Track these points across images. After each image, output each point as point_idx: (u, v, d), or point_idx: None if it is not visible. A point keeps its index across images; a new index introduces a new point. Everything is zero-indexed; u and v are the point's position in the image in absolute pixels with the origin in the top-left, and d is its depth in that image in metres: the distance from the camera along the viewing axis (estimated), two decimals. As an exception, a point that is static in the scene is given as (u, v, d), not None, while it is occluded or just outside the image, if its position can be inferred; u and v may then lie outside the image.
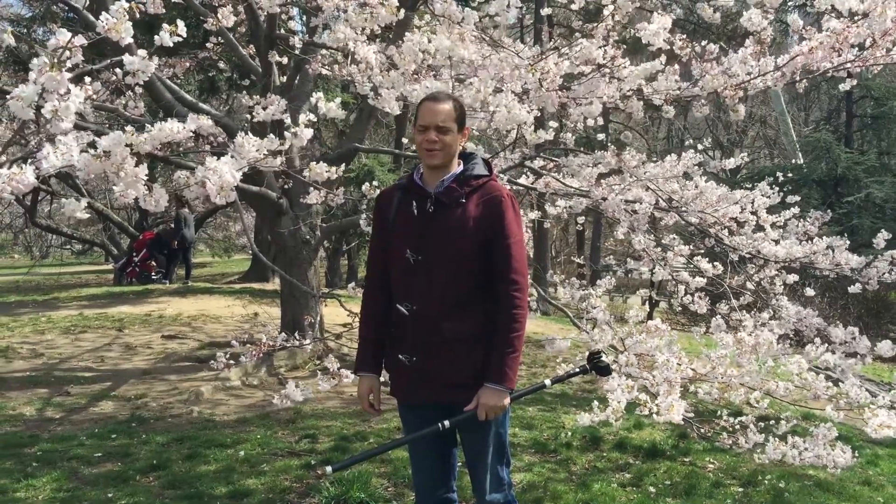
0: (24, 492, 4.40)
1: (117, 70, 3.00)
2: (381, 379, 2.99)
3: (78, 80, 5.58)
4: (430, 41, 4.56)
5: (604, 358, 3.04)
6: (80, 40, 2.39)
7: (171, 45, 2.84)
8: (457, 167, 2.88)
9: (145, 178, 2.72)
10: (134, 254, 15.50)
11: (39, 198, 16.87)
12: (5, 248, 29.08)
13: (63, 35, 2.39)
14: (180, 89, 8.14)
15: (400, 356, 2.85)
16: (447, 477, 3.03)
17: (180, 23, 2.80)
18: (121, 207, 18.62)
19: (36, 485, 4.50)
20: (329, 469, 2.82)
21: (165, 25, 2.75)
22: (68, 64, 2.34)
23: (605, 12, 4.50)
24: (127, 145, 2.59)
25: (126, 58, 2.69)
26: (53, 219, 19.20)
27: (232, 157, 3.02)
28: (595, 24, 4.65)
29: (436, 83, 4.53)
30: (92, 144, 2.66)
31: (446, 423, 2.75)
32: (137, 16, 2.57)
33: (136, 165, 2.67)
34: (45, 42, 14.97)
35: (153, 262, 15.42)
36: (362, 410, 5.52)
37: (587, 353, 3.10)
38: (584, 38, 4.79)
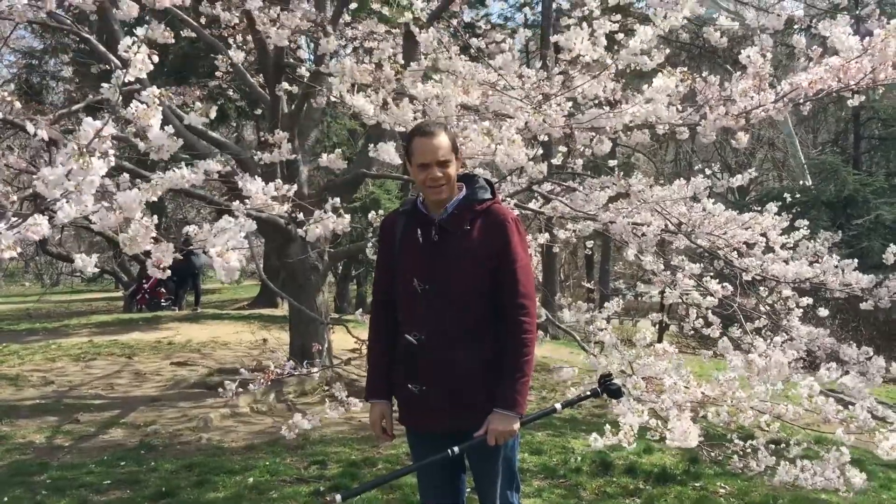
0: (33, 520, 4.41)
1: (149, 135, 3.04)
2: (393, 404, 2.99)
3: (94, 107, 5.63)
4: (432, 87, 4.62)
5: (615, 380, 3.02)
6: (109, 130, 2.42)
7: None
8: (459, 192, 2.85)
9: (154, 230, 2.74)
10: (144, 280, 15.57)
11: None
12: (16, 275, 29.24)
13: (92, 125, 2.42)
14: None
15: (409, 386, 2.81)
16: (455, 502, 3.01)
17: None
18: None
19: (45, 513, 4.51)
20: (338, 498, 2.79)
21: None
22: (97, 153, 2.38)
23: (609, 61, 4.53)
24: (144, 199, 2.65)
25: (152, 133, 2.71)
26: (64, 246, 19.31)
27: (241, 203, 3.03)
28: (598, 73, 4.68)
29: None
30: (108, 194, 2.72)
31: (455, 448, 2.73)
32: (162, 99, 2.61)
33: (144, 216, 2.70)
34: (56, 73, 15.17)
35: (163, 289, 15.49)
36: (371, 436, 5.51)
37: (598, 376, 3.07)
38: (585, 72, 4.85)
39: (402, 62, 5.13)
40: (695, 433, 3.55)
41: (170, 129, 2.77)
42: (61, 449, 5.94)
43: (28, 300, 21.16)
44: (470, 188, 2.87)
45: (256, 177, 3.83)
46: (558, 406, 3.03)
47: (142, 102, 2.59)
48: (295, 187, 4.10)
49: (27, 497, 4.77)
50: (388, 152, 4.55)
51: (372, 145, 4.81)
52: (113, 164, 2.41)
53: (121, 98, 2.90)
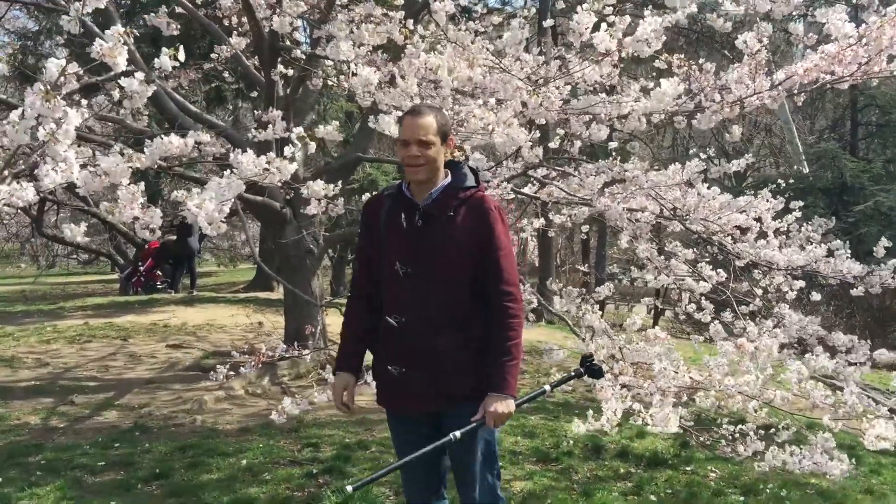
0: (27, 500, 4.43)
1: (120, 83, 3.04)
2: (366, 381, 3.02)
3: (88, 88, 5.62)
4: (435, 58, 4.59)
5: (596, 360, 3.06)
6: (74, 68, 2.42)
7: (171, 69, 2.88)
8: (444, 178, 2.88)
9: (141, 198, 2.76)
10: (139, 263, 15.55)
11: (46, 208, 16.97)
12: (12, 257, 29.17)
13: (56, 64, 2.42)
14: (186, 100, 8.19)
15: (389, 367, 2.86)
16: (437, 485, 3.03)
17: (181, 48, 2.85)
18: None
19: (39, 493, 4.53)
20: (349, 488, 2.79)
21: (165, 49, 2.79)
22: (63, 91, 2.37)
23: (612, 45, 4.44)
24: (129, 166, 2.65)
25: (124, 80, 2.72)
26: (60, 229, 19.27)
27: (231, 173, 3.04)
28: (600, 58, 4.63)
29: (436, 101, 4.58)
30: (93, 159, 2.73)
31: (457, 433, 2.72)
32: (132, 40, 2.61)
33: (131, 184, 2.72)
34: (52, 54, 15.11)
35: (159, 272, 15.47)
36: (364, 419, 5.54)
37: (580, 357, 3.12)
38: (584, 59, 4.81)
39: (411, 28, 5.06)
40: (675, 419, 3.59)
41: (140, 75, 2.77)
42: (56, 430, 5.96)
43: (24, 282, 21.13)
44: (455, 176, 2.89)
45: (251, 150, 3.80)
46: (547, 387, 3.06)
47: (105, 41, 2.58)
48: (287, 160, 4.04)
49: (22, 478, 4.79)
50: (389, 124, 4.53)
51: (372, 117, 4.79)
52: (87, 115, 2.40)
53: (81, 29, 2.89)
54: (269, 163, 3.70)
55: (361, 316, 2.98)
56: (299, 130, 4.31)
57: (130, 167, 2.71)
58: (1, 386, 7.23)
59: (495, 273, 2.78)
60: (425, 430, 2.85)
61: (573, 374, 3.10)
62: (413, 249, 2.80)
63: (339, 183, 4.92)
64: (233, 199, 2.99)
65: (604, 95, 5.07)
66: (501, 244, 2.80)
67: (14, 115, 2.31)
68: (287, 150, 3.26)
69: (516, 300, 2.80)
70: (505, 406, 2.72)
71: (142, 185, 2.86)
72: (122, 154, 2.81)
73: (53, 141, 2.32)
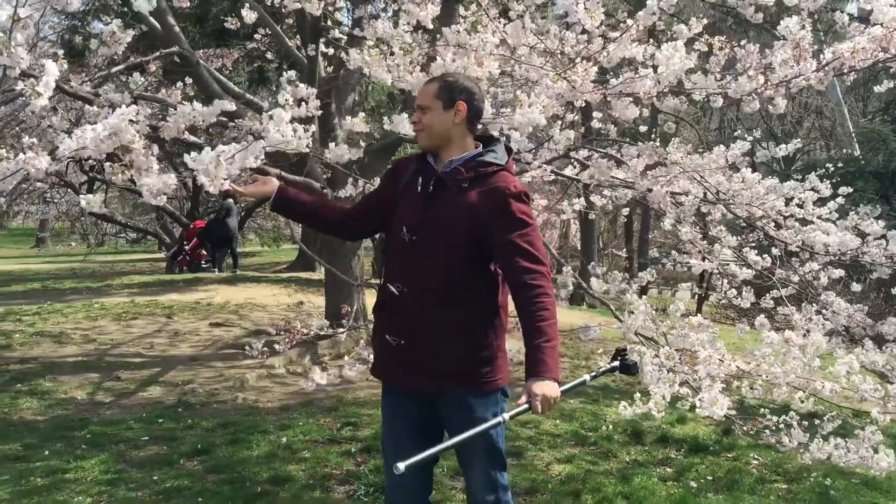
0: (73, 473, 4.52)
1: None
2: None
3: (135, 68, 5.66)
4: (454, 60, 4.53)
5: (629, 355, 2.90)
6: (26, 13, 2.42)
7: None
8: (472, 149, 2.78)
9: (155, 157, 2.77)
10: (185, 242, 15.80)
11: (95, 187, 17.31)
12: (62, 235, 29.84)
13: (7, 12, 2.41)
14: (229, 80, 8.24)
15: (387, 336, 2.75)
16: (425, 488, 2.89)
17: None
18: (172, 197, 18.97)
19: (85, 466, 4.62)
20: (401, 466, 2.35)
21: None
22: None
23: (630, 21, 4.35)
24: (131, 122, 2.63)
25: None
26: (108, 208, 19.63)
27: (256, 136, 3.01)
28: (621, 32, 4.51)
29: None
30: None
31: (506, 416, 2.54)
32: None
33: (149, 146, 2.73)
34: (99, 35, 15.31)
35: (203, 251, 15.71)
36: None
37: (615, 350, 2.95)
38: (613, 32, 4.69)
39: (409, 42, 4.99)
40: (723, 403, 3.51)
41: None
42: (102, 405, 6.08)
43: (73, 260, 21.61)
44: (485, 149, 2.78)
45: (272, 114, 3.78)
46: (587, 377, 2.86)
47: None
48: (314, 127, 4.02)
49: (68, 451, 4.90)
50: (403, 125, 4.49)
51: (386, 118, 4.75)
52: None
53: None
54: (295, 131, 3.68)
55: (335, 206, 3.07)
56: (348, 123, 4.34)
57: (149, 129, 2.70)
58: (49, 361, 7.40)
59: (518, 253, 2.60)
60: (415, 409, 2.75)
61: (609, 368, 2.92)
62: (420, 217, 2.70)
63: (364, 146, 4.89)
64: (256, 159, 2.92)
65: (643, 72, 4.95)
66: (521, 225, 2.63)
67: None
68: (342, 134, 3.25)
69: (543, 277, 2.61)
70: (551, 389, 2.47)
71: (155, 147, 2.86)
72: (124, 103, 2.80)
73: (35, 95, 2.31)
